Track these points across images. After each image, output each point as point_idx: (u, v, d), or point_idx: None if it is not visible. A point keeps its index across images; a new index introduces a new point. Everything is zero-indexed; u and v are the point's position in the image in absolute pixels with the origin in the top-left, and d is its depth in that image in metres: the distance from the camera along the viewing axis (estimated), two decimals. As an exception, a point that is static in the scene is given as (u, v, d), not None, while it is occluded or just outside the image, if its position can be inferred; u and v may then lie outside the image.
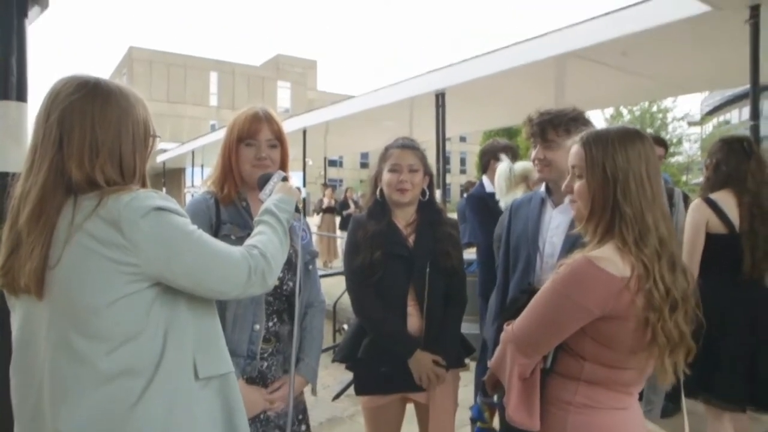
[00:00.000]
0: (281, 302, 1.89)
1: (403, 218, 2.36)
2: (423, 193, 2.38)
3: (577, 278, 1.34)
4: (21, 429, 1.29)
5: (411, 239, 2.33)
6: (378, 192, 2.38)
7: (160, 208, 1.23)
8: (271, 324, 1.86)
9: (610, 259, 1.33)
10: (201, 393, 1.29)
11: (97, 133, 1.25)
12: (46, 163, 1.23)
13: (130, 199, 1.21)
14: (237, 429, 1.36)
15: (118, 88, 1.32)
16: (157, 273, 1.23)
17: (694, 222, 2.79)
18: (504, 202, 3.24)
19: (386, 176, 2.33)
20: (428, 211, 2.39)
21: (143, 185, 1.33)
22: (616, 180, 1.38)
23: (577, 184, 1.48)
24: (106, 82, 1.33)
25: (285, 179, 1.74)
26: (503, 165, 3.29)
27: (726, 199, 2.77)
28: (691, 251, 2.74)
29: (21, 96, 1.95)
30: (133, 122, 1.31)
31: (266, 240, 1.41)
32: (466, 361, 2.54)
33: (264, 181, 1.72)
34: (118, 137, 1.28)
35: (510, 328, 1.48)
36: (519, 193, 3.12)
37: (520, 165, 3.21)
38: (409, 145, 2.37)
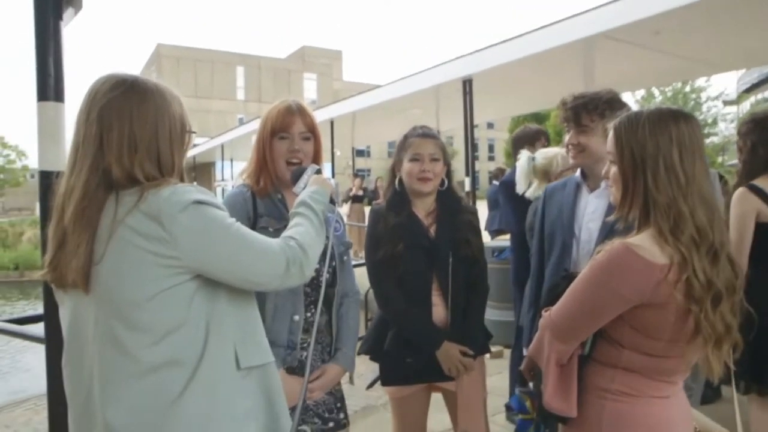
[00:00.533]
0: (318, 293, 1.91)
1: (423, 208, 2.35)
2: (441, 182, 2.36)
3: (615, 265, 1.32)
4: (74, 419, 1.33)
5: (432, 229, 2.31)
6: (397, 182, 2.36)
7: (199, 202, 1.24)
8: (309, 314, 1.88)
9: (648, 246, 1.31)
10: (243, 383, 1.31)
11: (135, 130, 1.28)
12: (88, 161, 1.26)
13: (170, 193, 1.23)
14: (278, 417, 1.38)
15: (155, 85, 1.34)
16: (197, 265, 1.24)
17: (742, 213, 2.59)
18: (528, 195, 3.18)
19: (407, 166, 2.30)
20: (447, 199, 2.37)
21: (181, 179, 1.35)
22: (645, 166, 1.35)
23: (612, 170, 1.46)
24: (144, 80, 1.34)
25: (319, 172, 1.73)
26: (522, 158, 3.22)
27: None
28: (739, 243, 2.56)
29: (58, 96, 1.98)
30: (170, 118, 1.33)
31: (303, 231, 1.42)
32: (500, 348, 2.52)
33: (298, 175, 1.72)
34: (155, 133, 1.30)
35: (548, 315, 1.47)
36: (541, 189, 3.07)
37: (541, 159, 3.12)
38: (429, 134, 2.34)
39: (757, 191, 2.61)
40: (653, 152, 1.34)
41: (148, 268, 1.21)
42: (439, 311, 2.27)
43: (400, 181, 2.34)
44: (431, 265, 2.26)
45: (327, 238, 1.91)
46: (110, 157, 1.26)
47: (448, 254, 2.25)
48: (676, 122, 1.37)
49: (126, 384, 1.22)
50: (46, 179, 1.95)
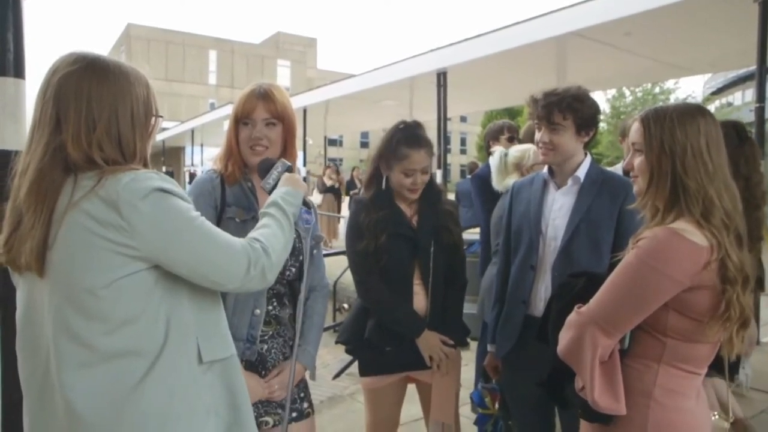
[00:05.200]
0: (282, 285, 1.88)
1: (405, 201, 2.35)
2: None
3: (665, 250, 1.33)
4: (30, 403, 1.29)
5: (414, 219, 2.32)
6: (384, 182, 2.33)
7: (161, 190, 1.20)
8: (271, 307, 1.85)
9: (690, 230, 1.34)
10: (204, 377, 1.28)
11: (93, 110, 1.23)
12: (44, 140, 1.22)
13: (130, 179, 1.18)
14: (240, 410, 1.36)
15: (118, 65, 1.29)
16: (155, 256, 1.20)
17: None
18: (500, 189, 3.24)
19: (398, 176, 2.27)
20: (429, 191, 2.37)
21: (145, 166, 1.30)
22: (674, 154, 1.40)
23: (637, 161, 1.49)
24: (105, 58, 1.29)
25: (290, 169, 1.64)
26: (496, 153, 3.28)
27: None
28: None
29: (18, 72, 1.92)
30: (132, 100, 1.28)
31: (270, 234, 1.37)
32: (468, 340, 2.55)
33: (266, 168, 1.64)
34: (115, 115, 1.25)
35: (585, 310, 1.42)
36: (512, 181, 3.11)
37: (513, 153, 3.19)
38: (423, 143, 2.29)
39: None
40: (682, 141, 1.39)
41: (103, 255, 1.17)
42: (419, 299, 2.29)
43: (387, 179, 2.32)
44: (413, 253, 2.27)
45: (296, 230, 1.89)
46: (66, 136, 1.21)
47: (430, 242, 2.27)
48: (703, 116, 1.44)
49: (82, 371, 1.18)
50: (4, 158, 1.89)
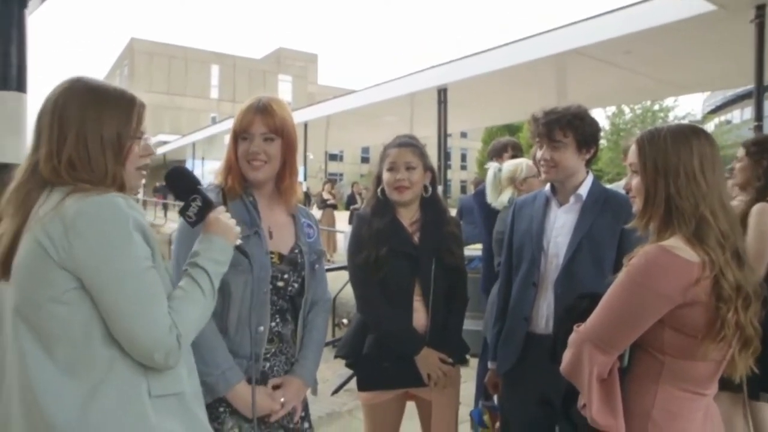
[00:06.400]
0: (285, 301, 1.86)
1: (407, 216, 2.34)
2: (425, 189, 2.36)
3: (654, 266, 1.34)
4: None
5: (416, 237, 2.31)
6: (380, 191, 2.36)
7: (118, 225, 1.19)
8: (273, 324, 1.82)
9: (680, 247, 1.35)
10: (155, 409, 1.24)
11: (62, 129, 1.25)
12: (29, 155, 1.28)
13: (90, 205, 1.19)
14: None
15: (98, 88, 1.31)
16: (85, 283, 1.19)
17: (764, 228, 2.68)
18: (496, 204, 3.25)
19: (385, 175, 2.30)
20: (432, 209, 2.37)
21: (120, 188, 1.29)
22: (667, 175, 1.41)
23: (635, 181, 1.52)
24: (87, 81, 1.32)
25: (209, 205, 1.45)
26: (490, 171, 3.31)
27: None
28: (758, 258, 2.63)
29: (20, 87, 1.93)
30: (104, 123, 1.27)
31: (189, 313, 1.28)
32: (467, 357, 2.53)
33: (176, 183, 1.49)
34: (83, 136, 1.25)
35: (583, 329, 1.45)
36: (507, 196, 3.13)
37: (506, 167, 3.21)
38: (405, 143, 2.34)
39: None
40: (674, 162, 1.41)
41: (49, 271, 1.18)
42: (419, 317, 2.27)
43: (383, 190, 2.34)
44: (414, 271, 2.26)
45: (297, 245, 1.87)
46: (41, 152, 1.25)
47: (431, 261, 2.25)
48: (696, 136, 1.45)
49: (33, 383, 1.18)
50: (3, 171, 1.89)
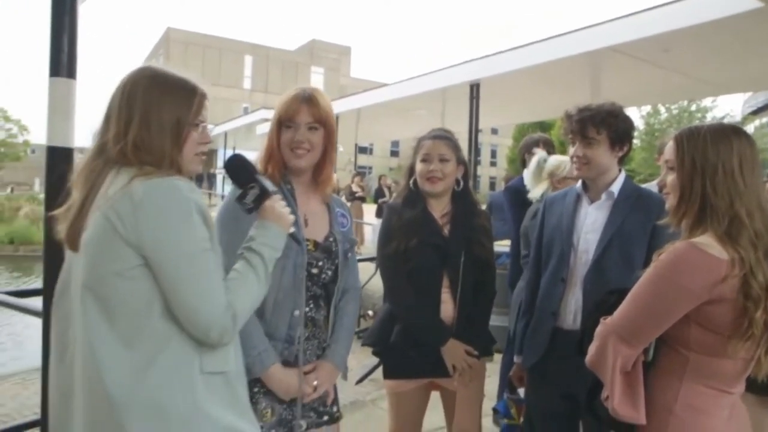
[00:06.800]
0: (319, 288, 1.91)
1: (438, 208, 2.37)
2: (457, 182, 2.38)
3: (682, 262, 1.35)
4: (53, 358, 1.38)
5: (446, 229, 2.33)
6: (412, 182, 2.39)
7: (180, 207, 1.26)
8: (307, 309, 1.87)
9: (711, 244, 1.36)
10: (204, 385, 1.30)
11: (129, 112, 1.33)
12: (96, 137, 1.38)
13: (156, 185, 1.26)
14: (246, 418, 1.39)
15: (163, 74, 1.38)
16: (149, 260, 1.25)
17: None
18: (531, 194, 3.21)
19: (418, 166, 2.33)
20: (463, 202, 2.39)
21: (178, 173, 1.36)
22: (705, 173, 1.41)
23: (670, 178, 1.52)
24: (153, 68, 1.40)
25: (266, 193, 1.49)
26: (536, 156, 3.25)
27: None
28: None
29: (71, 73, 2.00)
30: (164, 108, 1.34)
31: (245, 293, 1.35)
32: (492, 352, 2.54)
33: (237, 171, 1.55)
34: (146, 119, 1.33)
35: (609, 321, 1.46)
36: (541, 189, 3.10)
37: (552, 161, 3.17)
38: (440, 136, 2.36)
39: None
40: (713, 160, 1.41)
41: (116, 247, 1.24)
42: (447, 309, 2.29)
43: (415, 181, 2.36)
44: (443, 262, 2.28)
45: (332, 234, 1.92)
46: (110, 134, 1.33)
47: (461, 253, 2.27)
48: (737, 136, 1.45)
49: (98, 353, 1.25)
50: (54, 155, 1.97)
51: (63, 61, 1.97)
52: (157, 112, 1.33)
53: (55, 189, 2.00)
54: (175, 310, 1.27)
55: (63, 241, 1.36)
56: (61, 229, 1.35)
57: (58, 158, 1.97)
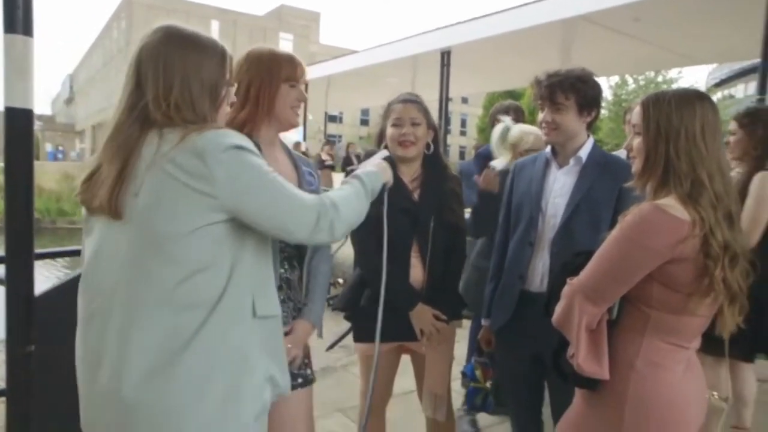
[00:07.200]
0: (291, 248, 1.91)
1: (408, 173, 2.37)
2: (428, 146, 2.38)
3: (646, 223, 1.40)
4: (85, 333, 1.38)
5: (416, 194, 2.34)
6: (383, 147, 2.37)
7: (239, 147, 1.31)
8: (282, 270, 1.88)
9: (673, 205, 1.40)
10: (255, 330, 1.39)
11: (168, 76, 1.35)
12: (125, 100, 1.37)
13: (214, 134, 1.30)
14: (281, 366, 1.48)
15: (193, 35, 1.41)
16: (232, 206, 1.30)
17: (763, 196, 2.74)
18: (494, 163, 3.21)
19: (389, 131, 2.32)
20: (433, 166, 2.39)
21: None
22: (668, 137, 1.45)
23: (636, 142, 1.56)
24: (182, 29, 1.41)
25: (390, 159, 1.85)
26: (499, 125, 3.23)
27: None
28: (753, 226, 2.70)
29: (27, 30, 1.90)
30: (202, 69, 1.38)
31: (343, 195, 1.50)
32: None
33: (369, 155, 1.84)
34: (187, 81, 1.36)
35: (575, 281, 1.51)
36: (505, 159, 3.10)
37: (515, 132, 3.14)
38: (411, 99, 2.36)
39: None
40: (677, 125, 1.45)
41: (186, 203, 1.27)
42: (416, 272, 2.31)
43: (386, 147, 2.34)
44: (413, 227, 2.29)
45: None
46: (149, 96, 1.34)
47: (430, 218, 2.29)
48: (701, 101, 1.49)
49: (150, 318, 1.28)
50: (12, 116, 1.89)
51: (18, 16, 1.87)
52: (196, 73, 1.37)
53: (15, 151, 1.94)
54: (273, 232, 1.36)
55: (90, 210, 1.37)
56: (93, 198, 1.34)
57: (17, 120, 1.90)
